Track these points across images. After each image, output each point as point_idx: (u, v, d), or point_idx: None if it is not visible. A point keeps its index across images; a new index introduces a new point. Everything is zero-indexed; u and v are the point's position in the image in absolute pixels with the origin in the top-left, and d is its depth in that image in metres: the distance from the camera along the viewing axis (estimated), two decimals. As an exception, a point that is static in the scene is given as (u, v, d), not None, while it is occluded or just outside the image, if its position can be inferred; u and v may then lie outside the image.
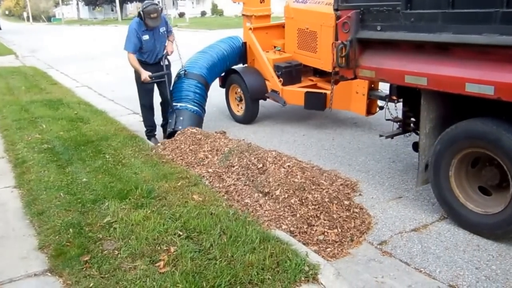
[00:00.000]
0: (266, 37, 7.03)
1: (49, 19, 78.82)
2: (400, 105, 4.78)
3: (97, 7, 70.38)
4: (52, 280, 3.08)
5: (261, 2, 7.00)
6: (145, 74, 5.71)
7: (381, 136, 4.86)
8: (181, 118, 5.98)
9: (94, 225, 3.66)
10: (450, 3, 3.33)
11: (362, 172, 5.01)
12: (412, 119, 4.59)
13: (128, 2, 66.41)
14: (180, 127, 5.85)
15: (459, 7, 3.31)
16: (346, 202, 4.06)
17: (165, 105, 6.25)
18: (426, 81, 3.58)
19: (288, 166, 4.43)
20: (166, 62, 6.03)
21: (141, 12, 5.54)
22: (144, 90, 5.99)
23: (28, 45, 24.54)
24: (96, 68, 14.08)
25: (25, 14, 78.58)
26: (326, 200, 3.97)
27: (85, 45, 23.03)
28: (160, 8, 5.62)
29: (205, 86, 6.51)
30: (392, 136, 4.83)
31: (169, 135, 5.95)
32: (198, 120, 6.22)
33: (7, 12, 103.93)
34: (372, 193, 4.49)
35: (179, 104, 6.09)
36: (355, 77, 4.35)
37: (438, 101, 3.80)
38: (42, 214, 3.91)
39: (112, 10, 67.53)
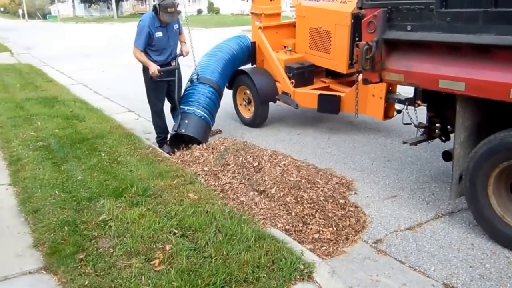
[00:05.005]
0: (276, 37, 6.76)
1: (44, 16, 78.40)
2: (419, 109, 4.58)
3: (93, 5, 70.16)
4: (47, 278, 3.07)
5: (271, 0, 6.76)
6: (154, 67, 5.25)
7: (404, 143, 4.61)
8: (186, 121, 5.57)
9: (89, 223, 3.65)
10: (492, 2, 3.08)
11: (358, 170, 5.02)
12: (438, 125, 4.38)
13: (124, 0, 66.24)
14: (183, 130, 5.50)
15: (503, 5, 3.05)
16: (342, 201, 4.07)
17: (175, 112, 5.79)
18: (464, 86, 3.30)
19: (284, 164, 4.43)
20: (176, 65, 5.62)
21: (157, 6, 5.15)
22: (156, 93, 5.57)
23: (23, 42, 24.40)
24: (91, 65, 14.02)
25: (20, 11, 78.22)
26: (322, 198, 3.97)
27: (80, 43, 22.93)
28: (177, 3, 5.23)
29: (218, 93, 6.17)
30: (416, 143, 4.58)
31: (171, 138, 5.66)
32: (204, 127, 5.76)
33: (2, 9, 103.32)
34: (367, 191, 4.50)
35: (187, 108, 5.70)
36: (381, 81, 4.09)
37: (474, 108, 3.53)
38: (37, 212, 3.90)
39: (108, 8, 67.36)
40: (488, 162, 3.40)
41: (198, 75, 6.03)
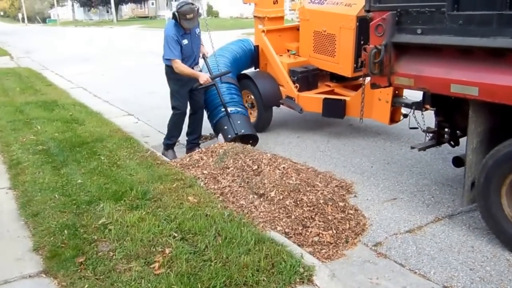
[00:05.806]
0: (280, 40, 6.67)
1: (44, 20, 78.58)
2: (426, 113, 4.53)
3: (92, 9, 70.30)
4: (47, 281, 3.07)
5: (274, 3, 6.69)
6: (205, 76, 5.21)
7: (412, 148, 4.55)
8: (239, 122, 5.66)
9: (89, 226, 3.64)
10: (507, 4, 2.99)
11: (357, 173, 5.03)
12: (447, 129, 4.31)
13: (123, 4, 66.37)
14: (242, 131, 5.57)
15: None
16: (341, 204, 4.07)
17: (198, 116, 5.78)
18: (477, 91, 3.22)
19: (283, 167, 4.43)
20: (199, 69, 5.53)
21: (176, 13, 5.04)
22: (183, 98, 5.49)
23: (23, 46, 24.42)
24: (91, 69, 14.04)
25: (20, 15, 78.34)
26: (321, 201, 3.98)
27: (80, 47, 22.98)
28: (196, 8, 5.09)
29: (238, 87, 6.34)
30: (424, 148, 4.49)
31: (230, 140, 5.52)
32: (250, 121, 6.04)
33: (1, 13, 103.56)
34: (367, 194, 4.51)
35: (229, 109, 5.71)
36: (390, 85, 4.02)
37: (488, 113, 3.46)
38: (37, 215, 3.90)
39: (107, 12, 67.47)
40: (509, 163, 3.32)
41: (220, 77, 5.97)
